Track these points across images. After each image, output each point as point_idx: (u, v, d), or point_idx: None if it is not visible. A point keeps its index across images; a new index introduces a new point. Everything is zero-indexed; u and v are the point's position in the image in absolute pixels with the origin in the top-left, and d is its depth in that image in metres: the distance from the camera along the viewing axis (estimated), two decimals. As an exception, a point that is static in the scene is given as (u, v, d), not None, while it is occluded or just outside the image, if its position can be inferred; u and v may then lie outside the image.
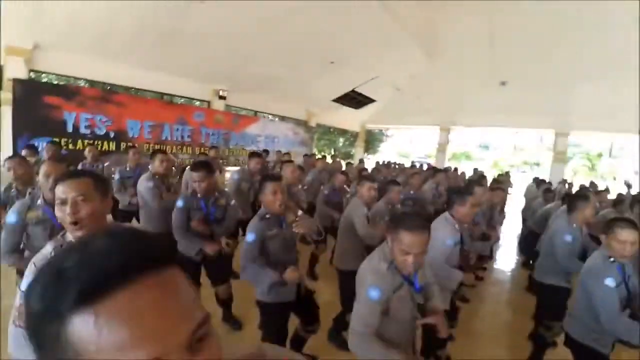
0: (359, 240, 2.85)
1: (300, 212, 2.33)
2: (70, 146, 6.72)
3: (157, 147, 7.89)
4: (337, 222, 3.35)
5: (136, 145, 7.53)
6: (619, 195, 5.31)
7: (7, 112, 6.20)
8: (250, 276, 2.05)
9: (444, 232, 2.41)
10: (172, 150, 8.35)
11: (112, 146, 7.29)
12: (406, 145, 31.95)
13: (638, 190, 7.92)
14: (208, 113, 9.28)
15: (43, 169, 1.97)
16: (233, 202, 2.86)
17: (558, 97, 10.24)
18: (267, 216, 2.12)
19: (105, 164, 4.84)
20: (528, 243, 4.97)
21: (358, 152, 17.07)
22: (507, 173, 9.30)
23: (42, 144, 6.09)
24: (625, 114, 9.67)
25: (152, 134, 8.04)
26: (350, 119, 15.27)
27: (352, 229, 2.86)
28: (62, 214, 1.18)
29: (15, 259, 1.98)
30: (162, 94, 9.01)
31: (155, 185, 3.20)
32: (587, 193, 3.70)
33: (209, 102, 9.75)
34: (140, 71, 7.88)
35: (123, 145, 7.45)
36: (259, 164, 4.28)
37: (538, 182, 6.93)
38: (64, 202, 1.18)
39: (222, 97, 9.64)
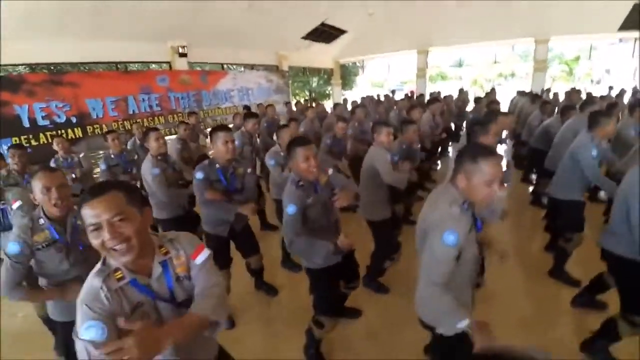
0: (384, 188, 2.79)
1: (330, 171, 2.15)
2: (33, 142, 6.12)
3: (125, 123, 7.41)
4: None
5: (104, 125, 7.04)
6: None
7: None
8: (301, 250, 2.01)
9: None
10: (143, 123, 7.79)
11: (79, 132, 6.70)
12: (379, 75, 30.93)
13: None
14: (172, 75, 8.49)
15: (39, 183, 1.67)
16: (250, 170, 2.67)
17: (535, 3, 9.69)
18: (301, 183, 1.96)
19: (81, 155, 4.40)
20: (531, 160, 4.95)
21: (335, 90, 16.37)
22: (493, 90, 9.05)
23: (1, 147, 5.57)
24: (604, 13, 9.33)
25: (117, 109, 7.37)
26: (322, 55, 14.38)
27: (377, 177, 2.74)
28: (99, 240, 0.97)
29: (24, 294, 1.73)
30: (115, 64, 8.13)
31: (162, 170, 2.95)
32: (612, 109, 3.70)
33: (169, 64, 8.89)
34: (85, 43, 6.97)
35: (90, 129, 6.87)
36: (256, 124, 4.11)
37: (532, 96, 6.70)
38: (97, 228, 0.97)
39: (183, 55, 8.79)
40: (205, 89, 9.26)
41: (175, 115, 8.42)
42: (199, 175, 2.42)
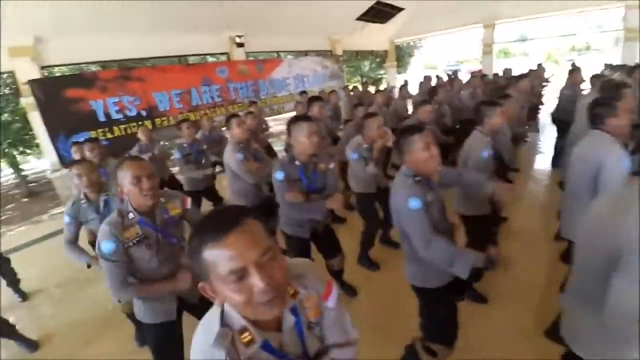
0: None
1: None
2: (108, 135, 6.42)
3: (189, 115, 7.53)
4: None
5: (171, 117, 7.21)
6: None
7: (36, 117, 5.88)
8: (439, 255, 1.56)
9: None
10: (205, 115, 7.88)
11: (148, 125, 6.87)
12: (433, 56, 29.27)
13: None
14: (231, 66, 8.48)
15: (128, 173, 1.50)
16: (332, 165, 2.33)
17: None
18: (418, 178, 1.62)
19: (160, 144, 4.51)
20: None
21: (390, 73, 15.59)
22: (574, 65, 7.87)
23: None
24: None
25: (181, 102, 7.52)
26: (377, 37, 13.73)
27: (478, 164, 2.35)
28: (245, 295, 0.68)
29: (135, 291, 1.61)
30: (178, 57, 8.27)
31: (245, 157, 2.84)
32: None
33: (228, 55, 8.90)
34: (148, 38, 7.19)
35: (158, 121, 7.05)
36: (322, 108, 3.84)
37: (628, 69, 5.65)
38: (242, 275, 0.67)
39: (240, 45, 8.76)
40: (261, 78, 9.16)
41: (235, 106, 8.42)
42: (279, 175, 2.12)
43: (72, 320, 3.14)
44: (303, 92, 7.04)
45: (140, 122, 6.80)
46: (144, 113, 6.91)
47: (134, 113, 6.77)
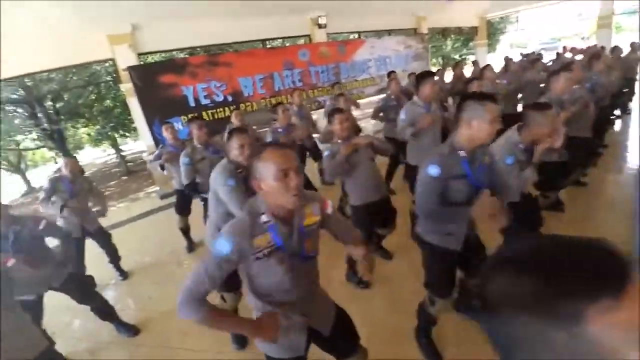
0: None
1: None
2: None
3: (272, 100, 7.41)
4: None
5: (254, 103, 7.15)
6: None
7: (134, 102, 6.18)
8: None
9: None
10: (287, 100, 7.72)
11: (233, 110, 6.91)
12: (521, 34, 25.91)
13: None
14: (312, 49, 8.16)
15: (274, 165, 1.15)
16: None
17: None
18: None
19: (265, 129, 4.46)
20: None
21: (479, 52, 13.98)
22: None
23: (175, 125, 6.06)
24: None
25: (264, 87, 7.42)
26: (466, 12, 12.38)
27: None
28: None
29: (204, 313, 1.20)
30: (261, 41, 8.17)
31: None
32: None
33: (309, 37, 8.59)
34: (233, 22, 7.15)
35: (242, 107, 7.02)
36: (435, 86, 3.14)
37: None
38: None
39: (322, 26, 8.37)
40: (343, 60, 8.70)
41: (316, 90, 8.13)
42: (434, 170, 1.61)
43: (170, 306, 3.10)
44: (392, 72, 6.44)
45: (226, 107, 6.87)
46: (229, 98, 6.94)
47: (220, 98, 6.83)
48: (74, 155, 4.19)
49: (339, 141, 2.54)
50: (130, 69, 6.02)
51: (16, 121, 11.82)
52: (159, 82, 6.22)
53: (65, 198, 3.39)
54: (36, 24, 5.25)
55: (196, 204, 4.04)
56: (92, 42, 5.95)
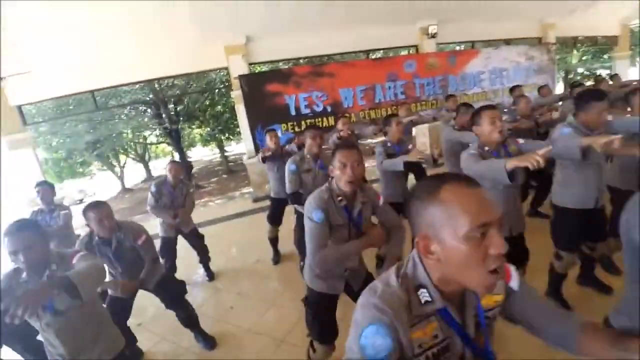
0: None
1: None
2: (296, 129, 6.60)
3: (371, 112, 7.14)
4: None
5: (353, 114, 6.96)
6: None
7: (241, 108, 6.49)
8: None
9: None
10: (387, 113, 7.35)
11: (332, 121, 6.81)
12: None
13: None
14: (419, 60, 7.65)
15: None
16: None
17: None
18: None
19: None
20: None
21: (620, 65, 11.69)
22: None
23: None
24: None
25: (364, 99, 7.17)
26: (604, 18, 10.44)
27: None
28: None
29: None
30: (367, 52, 7.97)
31: None
32: None
33: (416, 47, 8.10)
34: (340, 33, 7.10)
35: (340, 117, 6.86)
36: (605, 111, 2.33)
37: None
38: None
39: (432, 36, 7.80)
40: (452, 72, 7.99)
41: (418, 104, 7.59)
42: None
43: (249, 324, 2.95)
44: (517, 87, 5.57)
45: (325, 118, 6.81)
46: (329, 109, 6.87)
47: (320, 108, 6.80)
48: (177, 160, 4.60)
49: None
50: (241, 77, 6.34)
51: (145, 119, 13.73)
52: (265, 90, 6.43)
53: (166, 202, 3.54)
54: (164, 31, 5.84)
55: (288, 214, 3.89)
56: (210, 52, 6.46)
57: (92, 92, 6.75)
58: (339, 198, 1.68)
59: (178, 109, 12.22)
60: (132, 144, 15.86)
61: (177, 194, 3.60)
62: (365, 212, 1.76)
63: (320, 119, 6.74)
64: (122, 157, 16.88)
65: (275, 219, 3.99)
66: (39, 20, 4.84)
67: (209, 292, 3.70)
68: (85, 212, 2.25)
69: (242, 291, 3.57)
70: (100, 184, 17.61)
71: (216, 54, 6.46)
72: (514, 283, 0.87)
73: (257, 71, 7.45)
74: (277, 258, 4.07)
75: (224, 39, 6.36)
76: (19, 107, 6.30)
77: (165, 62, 6.47)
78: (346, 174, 1.62)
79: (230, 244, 4.89)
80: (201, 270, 3.98)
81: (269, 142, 3.90)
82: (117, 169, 16.42)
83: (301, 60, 7.93)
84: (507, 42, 9.41)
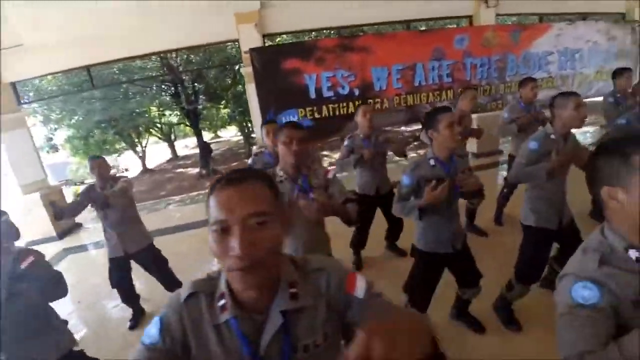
0: None
1: None
2: (316, 115, 5.49)
3: (408, 97, 5.87)
4: None
5: (385, 100, 5.75)
6: None
7: (251, 88, 5.44)
8: None
9: None
10: (427, 99, 6.04)
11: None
12: None
13: None
14: (474, 33, 6.19)
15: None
16: None
17: None
18: None
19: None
20: None
21: None
22: None
23: (284, 119, 5.19)
24: None
25: (401, 80, 5.87)
26: None
27: None
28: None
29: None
30: (407, 22, 6.61)
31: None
32: None
33: (470, 18, 6.64)
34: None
35: (370, 103, 5.65)
36: None
37: None
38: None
39: (491, 5, 6.32)
40: (513, 51, 6.47)
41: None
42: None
43: None
44: (625, 70, 3.98)
45: (351, 103, 5.63)
46: (356, 92, 5.64)
47: (345, 91, 5.59)
48: (98, 155, 3.82)
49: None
50: (252, 50, 5.25)
51: (167, 98, 13.04)
52: (280, 68, 5.31)
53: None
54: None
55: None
56: (218, 21, 5.41)
57: (87, 67, 5.90)
58: None
59: (197, 87, 11.37)
60: (156, 122, 15.37)
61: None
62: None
63: (345, 104, 5.55)
64: (146, 136, 16.49)
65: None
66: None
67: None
68: None
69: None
70: (123, 164, 17.41)
71: (224, 23, 5.41)
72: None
73: (273, 44, 6.31)
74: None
75: (234, 5, 5.29)
76: (13, 85, 5.62)
77: (169, 33, 5.52)
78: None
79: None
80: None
81: (266, 138, 2.85)
82: (139, 149, 16.06)
83: (326, 32, 6.68)
84: (584, 17, 7.65)
